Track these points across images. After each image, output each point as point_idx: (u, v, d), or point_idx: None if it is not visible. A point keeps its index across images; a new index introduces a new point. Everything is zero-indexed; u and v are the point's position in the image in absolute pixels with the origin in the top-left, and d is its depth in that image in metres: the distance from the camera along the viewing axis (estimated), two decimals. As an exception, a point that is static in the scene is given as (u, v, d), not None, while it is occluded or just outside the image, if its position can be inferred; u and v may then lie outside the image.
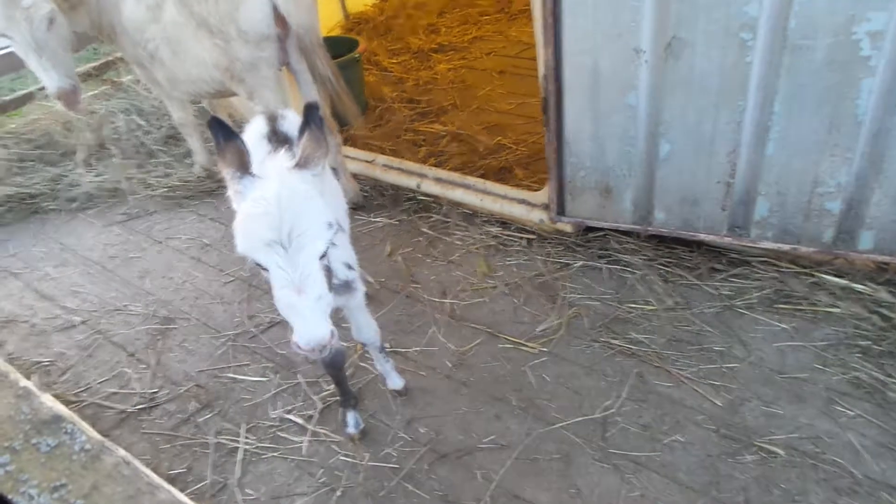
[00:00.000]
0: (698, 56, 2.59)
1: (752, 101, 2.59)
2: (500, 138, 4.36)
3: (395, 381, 2.69)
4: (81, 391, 2.97)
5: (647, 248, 3.22)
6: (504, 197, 3.52)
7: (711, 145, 2.76)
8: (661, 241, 3.22)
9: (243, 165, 1.61)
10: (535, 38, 2.92)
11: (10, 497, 0.57)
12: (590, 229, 3.34)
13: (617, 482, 2.27)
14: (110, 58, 5.62)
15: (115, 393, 2.93)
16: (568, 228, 3.33)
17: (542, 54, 2.90)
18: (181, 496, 0.57)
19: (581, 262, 3.22)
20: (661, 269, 3.10)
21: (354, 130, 4.09)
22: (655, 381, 2.60)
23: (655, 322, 2.85)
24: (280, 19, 3.12)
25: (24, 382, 0.68)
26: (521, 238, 3.43)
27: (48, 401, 0.66)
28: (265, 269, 1.57)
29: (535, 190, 3.55)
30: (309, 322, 1.53)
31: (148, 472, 0.60)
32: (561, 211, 3.25)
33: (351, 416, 2.56)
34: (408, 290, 3.24)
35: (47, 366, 3.15)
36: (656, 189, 2.98)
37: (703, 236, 3.00)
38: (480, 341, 2.89)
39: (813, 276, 2.92)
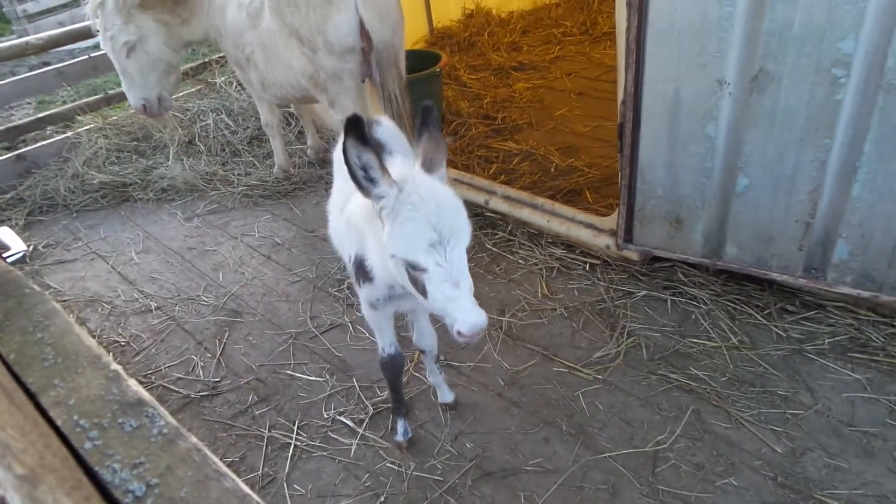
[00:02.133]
0: (785, 90, 2.52)
1: (839, 139, 2.49)
2: (572, 160, 4.34)
3: (447, 395, 2.72)
4: (151, 373, 3.14)
5: (715, 282, 3.13)
6: (571, 220, 3.51)
7: (792, 182, 2.67)
8: (730, 276, 3.13)
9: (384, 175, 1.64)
10: (616, 61, 2.92)
11: (96, 469, 0.63)
12: (656, 259, 3.28)
13: (664, 521, 2.22)
14: (206, 59, 5.93)
15: (181, 378, 3.08)
16: (634, 256, 3.29)
17: (622, 79, 2.89)
18: (244, 486, 0.61)
19: (644, 292, 3.16)
20: (728, 305, 3.02)
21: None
22: (713, 420, 2.53)
23: (718, 359, 2.77)
24: (365, 34, 3.24)
25: (114, 366, 0.74)
26: (585, 262, 3.41)
27: (134, 384, 0.73)
28: (419, 270, 1.63)
29: (604, 215, 3.51)
30: (470, 310, 1.59)
31: (216, 459, 0.65)
32: (628, 238, 3.21)
33: (401, 424, 2.61)
34: (467, 304, 3.27)
35: (123, 346, 3.35)
36: (730, 223, 2.90)
37: (775, 275, 2.90)
38: (535, 362, 2.89)
39: (893, 325, 2.77)
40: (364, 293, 2.14)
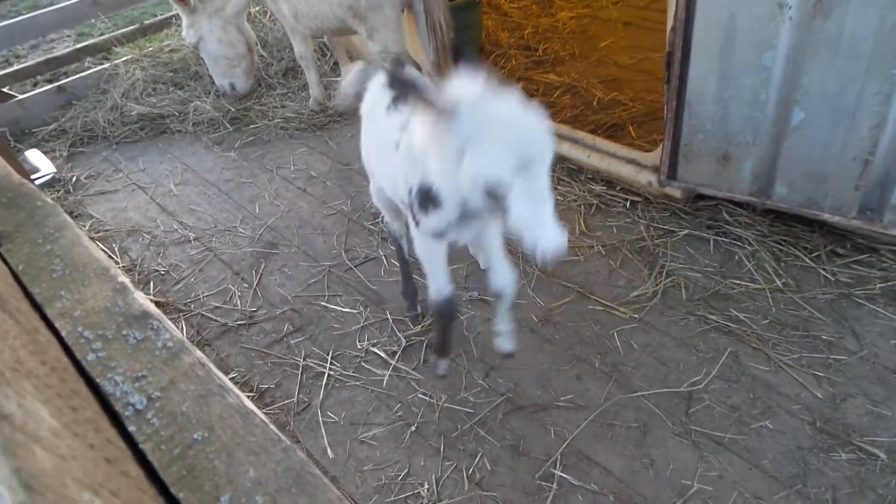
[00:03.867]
0: (852, 15, 2.31)
1: (909, 70, 2.30)
2: (616, 94, 4.16)
3: (509, 343, 2.52)
4: (190, 301, 3.20)
5: (761, 222, 3.00)
6: (613, 155, 3.38)
7: (853, 117, 2.49)
8: (777, 216, 2.99)
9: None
10: (666, -15, 2.73)
11: (98, 381, 0.61)
12: (700, 197, 3.15)
13: (694, 459, 2.19)
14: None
15: (218, 307, 3.14)
16: (677, 194, 3.16)
17: (672, 4, 2.70)
18: (247, 401, 0.59)
19: (686, 231, 3.05)
20: (774, 246, 2.89)
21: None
22: (751, 363, 2.46)
23: (760, 302, 2.68)
24: None
25: (122, 278, 0.72)
26: (626, 199, 3.30)
27: (140, 297, 0.71)
28: (502, 191, 1.57)
29: (647, 151, 3.37)
30: (555, 229, 1.58)
31: (220, 374, 0.63)
32: (672, 175, 3.08)
33: (444, 363, 2.59)
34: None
35: (163, 275, 3.41)
36: (781, 160, 2.75)
37: (827, 216, 2.75)
38: (570, 300, 2.84)
39: (952, 272, 2.63)
40: (428, 223, 2.03)
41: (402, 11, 3.38)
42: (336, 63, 5.01)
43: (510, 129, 1.55)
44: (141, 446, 0.56)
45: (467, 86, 1.62)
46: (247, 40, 4.59)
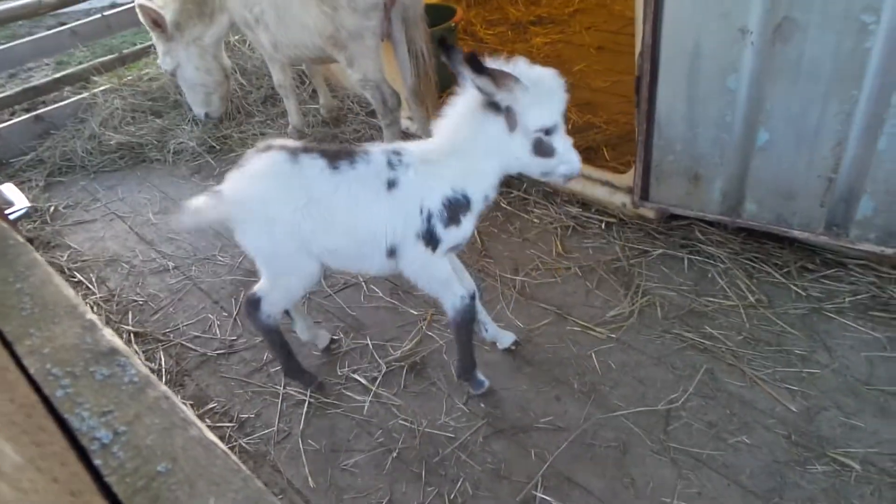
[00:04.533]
0: (811, 40, 2.41)
1: (866, 91, 2.38)
2: (590, 117, 4.25)
3: (507, 338, 2.75)
4: (169, 331, 3.19)
5: (733, 240, 3.07)
6: (587, 177, 3.44)
7: (815, 137, 2.57)
8: (749, 234, 3.06)
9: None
10: (635, 13, 2.81)
11: (66, 416, 0.63)
12: (673, 217, 3.22)
13: (674, 477, 2.21)
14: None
15: (198, 336, 3.13)
16: (650, 214, 3.22)
17: (640, 30, 2.78)
18: (209, 433, 0.60)
19: (661, 250, 3.11)
20: (746, 263, 2.95)
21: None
22: (727, 379, 2.50)
23: (734, 318, 2.73)
24: None
25: (90, 315, 0.74)
26: (601, 221, 3.35)
27: (108, 334, 0.72)
28: (553, 133, 2.07)
29: (621, 173, 3.44)
30: (578, 156, 2.17)
31: (184, 408, 0.64)
32: (645, 196, 3.15)
33: (479, 374, 2.59)
34: (480, 263, 3.25)
35: (141, 305, 3.39)
36: (749, 179, 2.82)
37: (796, 233, 2.82)
38: (548, 321, 2.87)
39: (918, 285, 2.70)
40: (457, 234, 2.24)
41: (382, 40, 3.43)
42: (314, 91, 5.06)
43: (548, 88, 2.02)
44: (106, 479, 0.57)
45: (520, 66, 2.04)
46: (223, 68, 4.62)
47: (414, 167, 2.17)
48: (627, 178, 3.26)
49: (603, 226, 3.33)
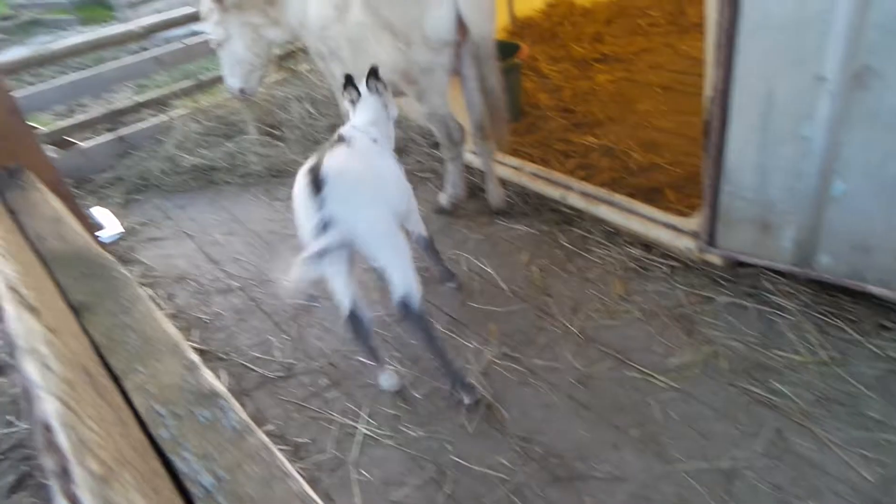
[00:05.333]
0: (891, 88, 2.33)
1: (954, 145, 2.29)
2: (654, 157, 4.20)
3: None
4: (231, 351, 3.28)
5: (804, 292, 2.96)
6: (651, 219, 3.40)
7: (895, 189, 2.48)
8: (821, 286, 2.94)
9: None
10: (705, 56, 2.79)
11: (171, 457, 0.65)
12: (740, 264, 3.13)
13: (736, 540, 2.12)
14: (292, 48, 6.09)
15: (258, 357, 3.20)
16: (716, 260, 3.15)
17: (710, 74, 2.76)
18: (307, 488, 0.62)
19: (726, 298, 3.03)
20: (817, 317, 2.84)
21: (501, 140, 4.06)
22: (796, 439, 2.39)
23: (804, 375, 2.62)
24: (461, 27, 3.21)
25: (191, 355, 0.77)
26: (664, 264, 3.29)
27: (209, 375, 0.76)
28: None
29: (686, 215, 3.39)
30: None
31: (283, 459, 0.66)
32: (711, 241, 3.08)
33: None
34: (539, 301, 3.23)
35: (207, 323, 3.50)
36: (823, 230, 2.73)
37: (872, 288, 2.71)
38: (608, 365, 2.82)
39: None
40: None
41: (452, 76, 3.50)
42: (380, 120, 5.18)
43: None
44: (212, 527, 0.60)
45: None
46: (271, 53, 4.56)
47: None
48: (693, 223, 3.20)
49: (666, 269, 3.27)
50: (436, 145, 4.71)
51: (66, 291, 0.88)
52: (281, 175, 4.86)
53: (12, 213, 1.07)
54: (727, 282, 3.11)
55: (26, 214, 1.04)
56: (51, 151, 5.25)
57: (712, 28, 2.65)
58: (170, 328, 0.84)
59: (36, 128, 5.08)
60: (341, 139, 2.72)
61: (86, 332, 0.81)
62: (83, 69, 6.28)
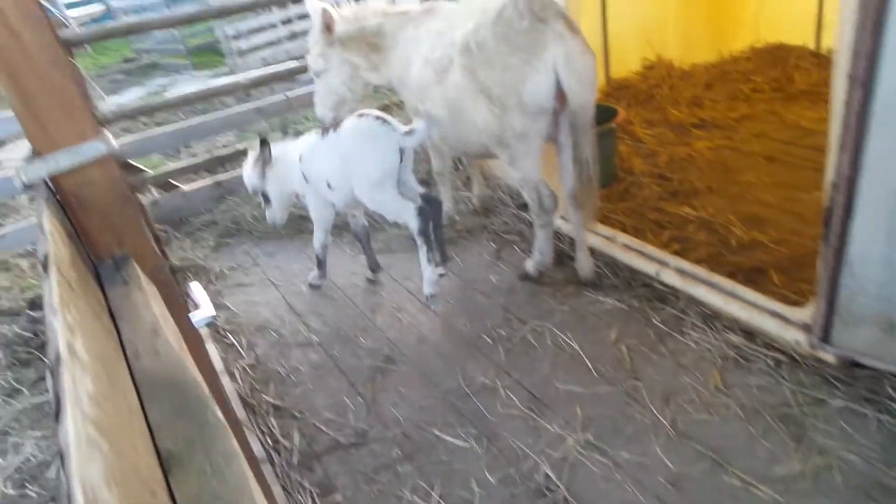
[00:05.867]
0: None
1: None
2: (757, 234, 3.94)
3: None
4: (306, 409, 3.24)
5: (935, 403, 2.63)
6: (755, 305, 3.15)
7: None
8: (957, 399, 2.61)
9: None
10: (827, 136, 2.58)
11: None
12: (858, 364, 2.83)
13: None
14: (387, 102, 6.23)
15: (332, 420, 3.14)
16: (830, 359, 2.86)
17: (834, 158, 2.55)
18: None
19: (841, 402, 2.73)
20: (952, 435, 2.51)
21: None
22: (927, 582, 2.08)
23: (936, 504, 2.30)
24: (560, 94, 3.15)
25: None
26: (768, 356, 3.02)
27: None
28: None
29: (793, 303, 3.12)
30: None
31: None
32: (825, 337, 2.81)
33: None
34: (628, 385, 3.03)
35: (283, 377, 3.50)
36: (962, 338, 2.43)
37: None
38: (703, 467, 2.58)
39: None
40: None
41: (545, 142, 3.43)
42: (468, 178, 5.17)
43: None
44: None
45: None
46: (363, 93, 4.57)
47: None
48: (804, 314, 2.93)
49: (771, 362, 3.00)
50: (523, 206, 4.63)
51: (154, 429, 0.83)
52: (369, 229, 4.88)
53: (113, 317, 1.05)
54: (842, 383, 2.81)
55: (126, 321, 1.02)
56: (155, 193, 5.54)
57: (839, 108, 2.45)
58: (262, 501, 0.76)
59: (143, 170, 5.38)
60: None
61: (170, 494, 0.75)
62: (196, 113, 6.64)
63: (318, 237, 4.17)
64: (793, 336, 2.97)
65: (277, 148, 4.10)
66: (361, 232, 4.20)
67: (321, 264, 4.26)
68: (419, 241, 3.58)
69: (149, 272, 1.25)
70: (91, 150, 1.19)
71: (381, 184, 3.52)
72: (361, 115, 3.68)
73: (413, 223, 3.51)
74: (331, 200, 3.90)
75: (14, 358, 4.01)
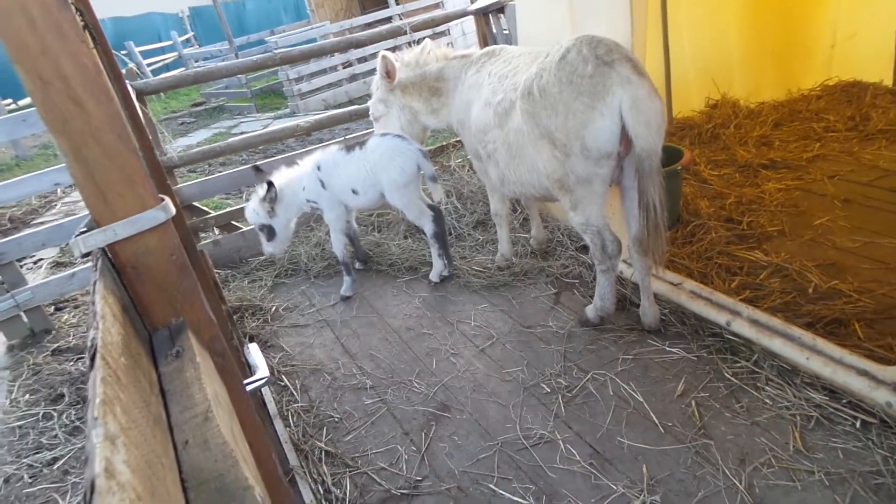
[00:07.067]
0: None
1: None
2: (836, 282, 3.69)
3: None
4: (358, 457, 3.16)
5: None
6: (839, 361, 2.91)
7: None
8: None
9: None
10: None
11: None
12: (961, 430, 2.57)
13: None
14: (444, 144, 6.25)
15: (384, 469, 3.05)
16: (927, 422, 2.61)
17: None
18: None
19: (943, 473, 2.47)
20: None
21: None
22: None
23: None
24: (625, 138, 3.05)
25: None
26: (856, 418, 2.78)
27: None
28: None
29: (881, 358, 2.88)
30: None
31: None
32: (921, 399, 2.56)
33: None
34: (698, 444, 2.84)
35: (336, 423, 3.44)
36: None
37: None
38: (784, 540, 2.36)
39: None
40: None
41: (610, 186, 3.32)
42: (526, 219, 5.09)
43: None
44: None
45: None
46: (421, 137, 4.67)
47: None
48: (895, 373, 2.69)
49: (858, 424, 2.76)
50: (584, 248, 4.51)
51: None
52: (419, 269, 4.85)
53: (163, 393, 1.01)
54: (942, 451, 2.55)
55: (176, 401, 0.98)
56: (217, 233, 5.66)
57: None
58: None
59: (207, 212, 5.52)
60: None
61: None
62: (258, 154, 6.82)
63: (337, 240, 4.64)
64: (883, 397, 2.72)
65: (280, 179, 4.51)
66: (353, 234, 4.94)
67: (348, 269, 4.71)
68: (433, 241, 4.51)
69: (205, 342, 1.22)
70: (150, 218, 1.18)
71: (406, 186, 4.34)
72: (385, 135, 4.38)
73: (428, 227, 4.45)
74: (347, 203, 4.54)
75: (79, 396, 4.09)
